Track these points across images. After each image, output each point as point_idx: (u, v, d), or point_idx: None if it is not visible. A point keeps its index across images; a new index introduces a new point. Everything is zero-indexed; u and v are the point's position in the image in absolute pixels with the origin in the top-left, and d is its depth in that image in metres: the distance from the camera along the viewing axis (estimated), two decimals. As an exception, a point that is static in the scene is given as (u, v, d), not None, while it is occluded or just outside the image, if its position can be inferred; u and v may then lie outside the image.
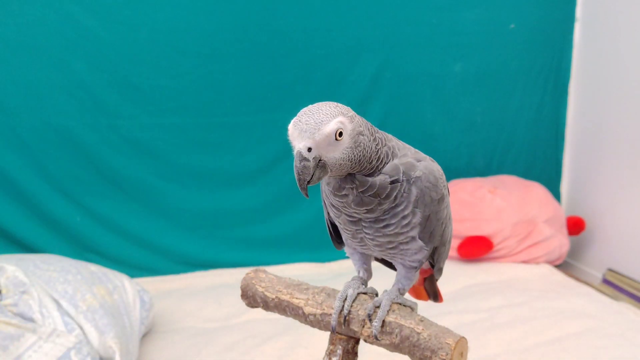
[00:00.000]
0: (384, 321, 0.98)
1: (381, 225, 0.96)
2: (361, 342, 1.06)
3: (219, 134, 2.88)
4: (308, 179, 0.86)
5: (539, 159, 3.40)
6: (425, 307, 1.28)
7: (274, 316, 1.19)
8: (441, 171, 1.02)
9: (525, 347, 2.00)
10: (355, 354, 1.06)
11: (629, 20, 2.87)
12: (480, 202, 2.93)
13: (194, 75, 2.79)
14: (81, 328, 1.70)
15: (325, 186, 0.99)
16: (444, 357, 0.91)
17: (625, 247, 2.91)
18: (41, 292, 1.71)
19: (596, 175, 3.16)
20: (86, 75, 2.64)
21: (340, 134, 0.87)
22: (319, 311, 1.05)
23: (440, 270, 1.15)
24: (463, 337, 0.94)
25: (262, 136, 2.93)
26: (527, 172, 3.30)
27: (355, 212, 0.95)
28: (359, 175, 0.93)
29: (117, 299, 1.92)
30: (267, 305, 1.12)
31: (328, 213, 1.07)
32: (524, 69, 3.25)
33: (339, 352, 1.05)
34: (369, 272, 1.12)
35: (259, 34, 2.82)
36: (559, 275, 2.76)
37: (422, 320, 0.97)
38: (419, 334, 0.94)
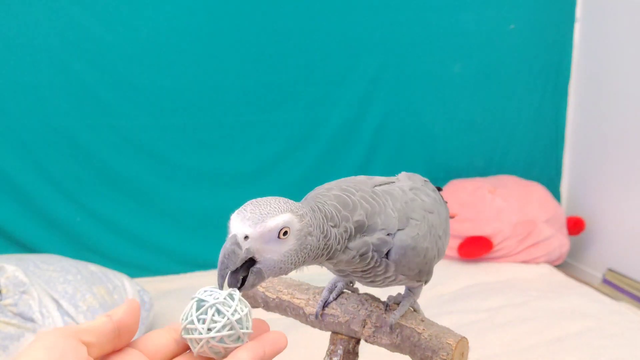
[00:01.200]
0: (384, 320, 0.98)
1: (368, 280, 0.93)
2: (362, 342, 1.06)
3: (219, 134, 2.88)
4: (232, 268, 0.72)
5: (539, 159, 3.40)
6: (425, 307, 1.29)
7: (274, 316, 1.19)
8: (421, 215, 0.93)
9: (525, 347, 2.00)
10: (356, 354, 1.06)
11: (629, 20, 2.87)
12: (480, 202, 2.93)
13: (194, 75, 2.79)
14: (81, 328, 1.69)
15: None
16: (444, 357, 0.91)
17: (625, 247, 2.91)
18: (41, 292, 1.71)
19: (596, 175, 3.16)
20: (86, 75, 2.64)
21: (285, 233, 0.74)
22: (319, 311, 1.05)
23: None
24: (464, 337, 0.94)
25: (262, 136, 2.93)
26: (527, 172, 3.29)
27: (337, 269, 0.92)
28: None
29: (117, 299, 1.92)
30: (267, 305, 1.12)
31: None
32: (524, 69, 3.25)
33: (340, 352, 1.05)
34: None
35: (259, 34, 2.82)
36: (559, 275, 2.76)
37: (422, 320, 0.97)
38: (419, 334, 0.94)
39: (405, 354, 0.97)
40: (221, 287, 0.73)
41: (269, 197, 0.79)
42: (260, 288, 1.13)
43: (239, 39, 2.79)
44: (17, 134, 2.60)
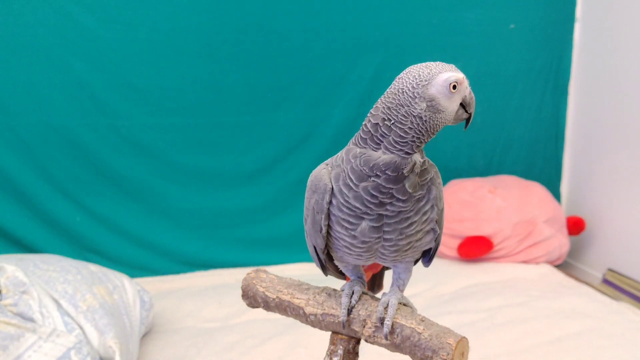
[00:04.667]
0: (384, 320, 0.98)
1: (405, 225, 0.95)
2: (362, 342, 1.06)
3: (219, 134, 2.88)
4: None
5: (539, 159, 3.40)
6: (425, 307, 1.29)
7: (274, 316, 1.19)
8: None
9: (525, 347, 2.00)
10: (356, 353, 1.06)
11: (629, 20, 2.87)
12: (480, 202, 2.92)
13: (194, 75, 2.79)
14: (81, 328, 1.69)
15: (340, 197, 0.95)
16: (445, 357, 0.91)
17: (625, 247, 2.91)
18: (41, 292, 1.71)
19: (596, 175, 3.16)
20: (86, 75, 2.64)
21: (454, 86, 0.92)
22: (319, 311, 1.04)
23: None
24: (464, 337, 0.94)
25: (262, 136, 2.93)
26: (527, 172, 3.29)
27: (396, 201, 0.92)
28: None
29: (117, 299, 1.92)
30: (268, 305, 1.12)
31: (320, 239, 1.02)
32: (524, 69, 3.25)
33: (340, 352, 1.05)
34: (364, 275, 1.12)
35: (258, 34, 2.82)
36: (559, 275, 2.76)
37: (423, 320, 0.97)
38: (420, 334, 0.94)
39: (405, 354, 0.97)
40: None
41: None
42: (260, 288, 1.13)
43: (239, 39, 2.79)
44: (17, 134, 2.60)
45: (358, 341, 1.06)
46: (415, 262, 1.10)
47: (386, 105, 0.93)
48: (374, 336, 0.99)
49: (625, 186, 2.93)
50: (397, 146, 0.91)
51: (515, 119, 3.31)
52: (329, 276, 1.17)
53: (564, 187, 3.46)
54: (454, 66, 0.92)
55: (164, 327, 2.20)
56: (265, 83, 2.88)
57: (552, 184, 3.37)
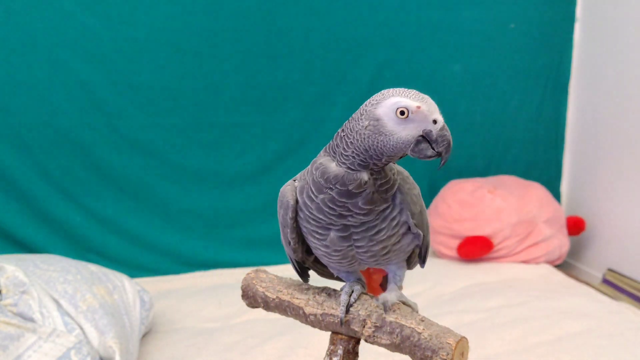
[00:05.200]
0: (384, 320, 0.98)
1: (373, 232, 0.96)
2: (362, 342, 1.06)
3: (219, 134, 2.88)
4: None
5: (539, 159, 3.40)
6: (425, 307, 1.29)
7: (274, 316, 1.19)
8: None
9: (525, 347, 2.00)
10: (356, 353, 1.06)
11: (629, 20, 2.87)
12: (480, 202, 2.92)
13: (194, 75, 2.79)
14: (81, 328, 1.69)
15: (305, 210, 0.96)
16: (444, 357, 0.91)
17: (625, 247, 2.91)
18: (41, 292, 1.71)
19: (596, 175, 3.16)
20: (86, 75, 2.64)
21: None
22: (319, 311, 1.04)
23: (423, 262, 1.15)
24: (464, 337, 0.94)
25: (262, 136, 2.93)
26: (527, 172, 3.29)
27: (355, 214, 0.93)
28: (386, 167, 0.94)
29: (117, 299, 1.92)
30: (267, 305, 1.12)
31: (295, 248, 1.04)
32: (524, 69, 3.25)
33: (340, 352, 1.05)
34: (362, 276, 1.13)
35: (259, 34, 2.82)
36: (559, 275, 2.76)
37: (422, 320, 0.97)
38: (419, 333, 0.94)
39: (405, 353, 0.97)
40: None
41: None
42: (260, 288, 1.13)
43: (239, 39, 2.79)
44: (17, 134, 2.60)
45: (358, 341, 1.06)
46: (412, 262, 1.11)
47: (351, 118, 0.93)
48: (374, 336, 0.99)
49: (625, 186, 2.93)
50: (342, 159, 0.91)
51: (515, 119, 3.31)
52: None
53: (564, 187, 3.46)
54: (427, 98, 0.89)
55: (164, 327, 2.20)
56: (265, 83, 2.88)
57: (552, 184, 3.37)
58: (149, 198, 2.83)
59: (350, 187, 0.90)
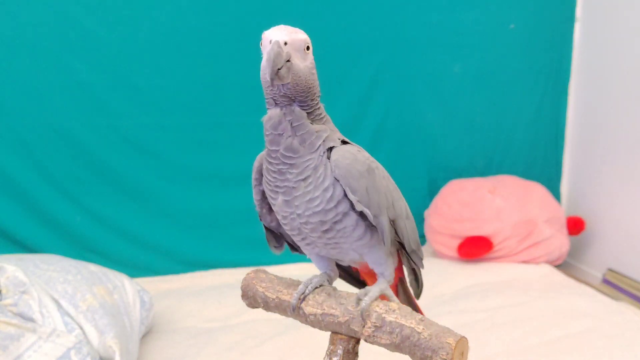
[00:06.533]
0: (384, 320, 0.98)
1: (308, 198, 0.98)
2: (362, 342, 1.06)
3: (219, 134, 2.88)
4: (279, 66, 0.90)
5: (539, 159, 3.40)
6: (424, 307, 1.29)
7: (274, 316, 1.19)
8: (364, 153, 1.04)
9: (525, 347, 2.00)
10: (356, 353, 1.06)
11: (629, 20, 2.87)
12: (480, 202, 2.92)
13: (194, 75, 2.79)
14: (81, 328, 1.70)
15: (265, 174, 1.03)
16: (444, 357, 0.91)
17: (625, 247, 2.91)
18: (41, 292, 1.71)
19: (596, 175, 3.16)
20: (86, 75, 2.64)
21: (308, 47, 0.96)
22: (319, 311, 1.05)
23: (417, 256, 1.14)
24: (464, 337, 0.94)
25: (262, 136, 2.93)
26: (527, 172, 3.29)
27: (285, 167, 0.98)
28: (297, 108, 0.97)
29: (117, 299, 1.92)
30: (267, 305, 1.12)
31: (260, 212, 1.12)
32: (524, 69, 3.25)
33: (340, 352, 1.05)
34: (334, 272, 1.15)
35: (258, 34, 2.81)
36: (559, 275, 2.76)
37: (422, 320, 0.97)
38: (419, 333, 0.94)
39: (405, 353, 0.97)
40: (281, 80, 0.93)
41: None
42: (260, 288, 1.13)
43: (239, 39, 2.79)
44: (17, 134, 2.60)
45: (358, 341, 1.06)
46: (403, 283, 1.12)
47: None
48: (374, 336, 0.99)
49: (625, 186, 2.93)
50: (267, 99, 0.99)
51: (515, 119, 3.31)
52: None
53: (564, 187, 3.46)
54: (283, 27, 0.95)
55: (164, 327, 2.20)
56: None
57: (552, 184, 3.37)
58: (148, 198, 2.83)
59: (267, 126, 0.98)
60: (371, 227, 1.03)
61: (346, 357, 1.05)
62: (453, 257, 2.93)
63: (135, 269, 2.69)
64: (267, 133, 0.99)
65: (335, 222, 1.00)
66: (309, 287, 1.07)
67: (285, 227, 1.06)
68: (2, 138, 2.58)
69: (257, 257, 2.88)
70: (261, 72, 0.95)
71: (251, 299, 1.14)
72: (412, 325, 0.96)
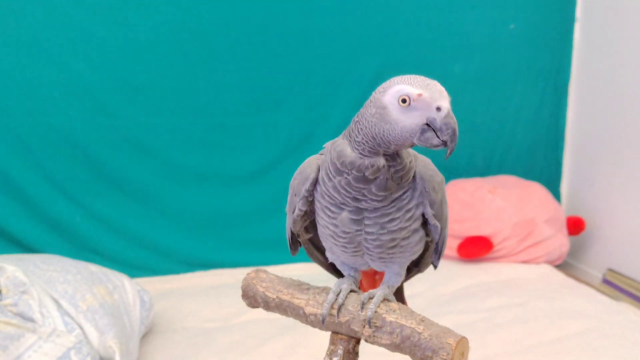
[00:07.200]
0: (384, 320, 0.98)
1: (386, 219, 0.95)
2: (362, 342, 1.06)
3: (219, 134, 2.88)
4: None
5: (539, 159, 3.40)
6: (425, 307, 1.29)
7: (274, 316, 1.19)
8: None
9: (525, 347, 2.00)
10: (356, 354, 1.06)
11: (629, 20, 2.88)
12: (480, 202, 2.92)
13: (194, 75, 2.78)
14: (81, 328, 1.70)
15: (322, 186, 0.96)
16: (445, 357, 0.91)
17: (625, 247, 2.91)
18: (41, 292, 1.71)
19: (596, 175, 3.16)
20: (86, 75, 2.64)
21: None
22: (319, 311, 1.04)
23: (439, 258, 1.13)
24: (464, 337, 0.94)
25: (262, 136, 2.93)
26: (527, 172, 3.29)
27: (369, 199, 0.92)
28: (399, 157, 0.93)
29: (117, 299, 1.92)
30: (268, 305, 1.12)
31: (296, 220, 1.04)
32: (524, 69, 3.25)
33: (340, 352, 1.05)
34: (358, 273, 1.12)
35: (258, 34, 2.82)
36: (559, 275, 2.76)
37: (423, 320, 0.97)
38: (419, 333, 0.94)
39: (405, 354, 0.97)
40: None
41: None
42: (260, 288, 1.13)
43: (239, 39, 2.79)
44: (17, 134, 2.60)
45: (358, 341, 1.06)
46: (423, 264, 1.10)
47: (365, 104, 0.94)
48: (374, 336, 0.99)
49: (625, 186, 2.93)
50: (355, 145, 0.92)
51: (515, 119, 3.31)
52: (329, 276, 1.17)
53: (564, 187, 3.46)
54: (433, 85, 0.90)
55: (164, 327, 2.20)
56: (265, 83, 2.87)
57: (552, 184, 3.37)
58: (148, 198, 2.83)
59: (366, 174, 0.90)
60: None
61: (346, 357, 1.05)
62: (453, 257, 2.93)
63: (135, 269, 2.69)
64: (356, 173, 0.90)
65: (403, 239, 0.99)
66: (341, 296, 1.02)
67: (335, 240, 1.00)
68: (2, 138, 2.58)
69: (257, 257, 2.88)
70: (407, 132, 0.87)
71: (251, 298, 1.14)
72: (412, 326, 0.96)
